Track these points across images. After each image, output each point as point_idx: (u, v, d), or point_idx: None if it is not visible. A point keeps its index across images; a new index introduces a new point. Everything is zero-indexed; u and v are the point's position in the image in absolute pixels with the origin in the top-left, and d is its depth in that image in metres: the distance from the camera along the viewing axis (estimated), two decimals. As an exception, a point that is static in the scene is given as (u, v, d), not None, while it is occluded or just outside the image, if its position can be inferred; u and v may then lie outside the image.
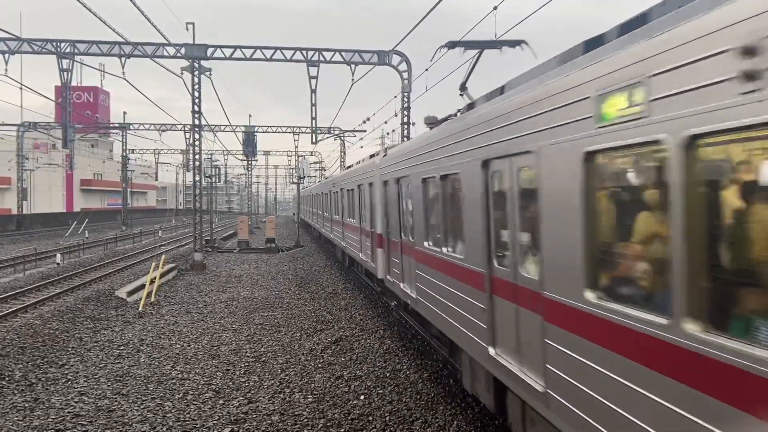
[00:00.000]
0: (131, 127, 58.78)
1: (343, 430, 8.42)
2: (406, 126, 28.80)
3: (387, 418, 8.75)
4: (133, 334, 14.54)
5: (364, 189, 17.05)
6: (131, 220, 65.27)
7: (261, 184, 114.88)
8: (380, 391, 9.93)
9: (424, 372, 10.86)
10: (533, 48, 9.67)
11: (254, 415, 9.06)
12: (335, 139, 57.98)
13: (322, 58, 29.11)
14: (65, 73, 29.18)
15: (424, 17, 17.14)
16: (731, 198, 3.44)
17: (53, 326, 15.20)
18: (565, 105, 4.85)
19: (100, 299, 19.23)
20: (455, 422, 8.47)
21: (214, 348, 13.20)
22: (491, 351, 6.77)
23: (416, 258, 10.51)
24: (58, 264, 28.20)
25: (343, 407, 9.28)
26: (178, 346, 13.43)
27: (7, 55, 27.42)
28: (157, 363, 12.05)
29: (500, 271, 6.55)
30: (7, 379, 11.00)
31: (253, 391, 10.17)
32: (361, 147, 76.73)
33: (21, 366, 11.79)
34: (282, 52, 28.81)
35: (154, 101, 32.82)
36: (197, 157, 31.13)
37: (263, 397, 9.89)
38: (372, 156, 17.90)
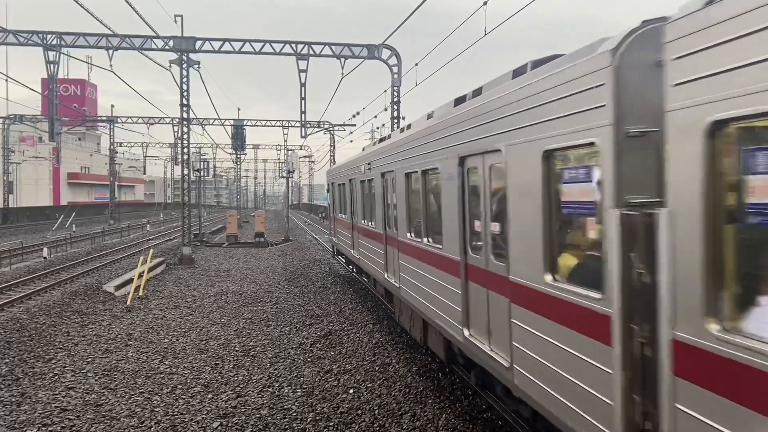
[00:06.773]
0: (119, 120, 58.40)
1: (332, 423, 8.44)
2: (396, 120, 28.79)
3: (376, 412, 8.77)
4: (121, 329, 14.47)
5: None
6: (119, 214, 64.83)
7: (250, 178, 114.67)
8: (369, 385, 9.95)
9: (413, 366, 10.89)
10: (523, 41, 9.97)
11: (243, 409, 9.05)
12: (325, 133, 57.91)
13: (311, 52, 29.00)
14: (52, 66, 28.90)
15: (414, 11, 17.15)
16: None
17: (40, 320, 15.09)
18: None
19: (88, 293, 19.10)
20: (444, 416, 8.51)
21: (203, 342, 13.16)
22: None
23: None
24: (45, 258, 27.98)
25: (332, 401, 9.29)
26: (166, 340, 13.38)
27: (-8, 47, 27.13)
28: (145, 357, 12.00)
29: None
30: (-7, 373, 10.92)
31: (242, 386, 10.16)
32: (351, 141, 76.49)
33: (7, 360, 11.70)
34: (271, 46, 28.67)
35: (142, 94, 32.60)
36: (185, 150, 30.95)
37: (252, 391, 9.88)
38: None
